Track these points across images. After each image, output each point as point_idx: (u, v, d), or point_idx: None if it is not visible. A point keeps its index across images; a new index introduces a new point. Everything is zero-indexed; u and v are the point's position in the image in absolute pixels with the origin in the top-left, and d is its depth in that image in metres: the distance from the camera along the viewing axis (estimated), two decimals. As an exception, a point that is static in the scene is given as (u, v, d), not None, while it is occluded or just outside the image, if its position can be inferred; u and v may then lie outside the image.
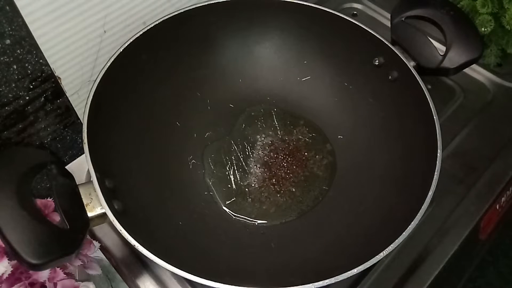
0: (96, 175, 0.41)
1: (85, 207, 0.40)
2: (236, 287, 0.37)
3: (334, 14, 0.56)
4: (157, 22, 0.52)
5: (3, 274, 0.38)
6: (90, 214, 0.40)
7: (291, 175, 0.56)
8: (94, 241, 0.45)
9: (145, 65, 0.53)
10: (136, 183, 0.49)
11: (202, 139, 0.59)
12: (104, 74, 0.47)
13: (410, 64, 0.52)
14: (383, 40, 0.54)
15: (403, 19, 0.56)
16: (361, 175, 0.54)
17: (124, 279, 0.51)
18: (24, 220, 0.35)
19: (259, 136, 0.59)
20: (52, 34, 0.49)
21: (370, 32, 0.54)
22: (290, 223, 0.53)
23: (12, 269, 0.39)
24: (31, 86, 0.51)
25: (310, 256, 0.48)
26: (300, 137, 0.59)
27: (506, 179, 0.59)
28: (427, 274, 0.51)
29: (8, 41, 0.46)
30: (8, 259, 0.39)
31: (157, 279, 0.51)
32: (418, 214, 0.41)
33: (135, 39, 0.50)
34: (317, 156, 0.58)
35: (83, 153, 0.42)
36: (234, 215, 0.53)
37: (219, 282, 0.37)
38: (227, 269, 0.45)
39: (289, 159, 0.58)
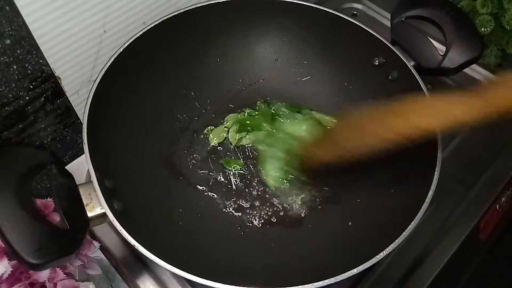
0: (96, 175, 0.41)
1: (85, 207, 0.40)
2: (236, 287, 0.37)
3: (334, 14, 0.56)
4: (157, 22, 0.52)
5: (3, 274, 0.38)
6: (90, 214, 0.40)
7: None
8: (94, 241, 0.45)
9: (145, 65, 0.53)
10: (136, 183, 0.49)
11: (202, 139, 0.59)
12: (104, 74, 0.47)
13: (410, 64, 0.52)
14: (383, 40, 0.54)
15: (403, 19, 0.56)
16: (361, 175, 0.54)
17: (124, 279, 0.51)
18: (24, 220, 0.35)
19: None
20: (52, 34, 0.49)
21: (370, 32, 0.54)
22: (290, 223, 0.53)
23: (12, 269, 0.39)
24: (31, 86, 0.51)
25: (310, 256, 0.48)
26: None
27: (506, 179, 0.59)
28: (427, 274, 0.51)
29: (8, 41, 0.46)
30: (8, 259, 0.39)
31: (157, 279, 0.51)
32: (418, 214, 0.42)
33: (135, 39, 0.50)
34: (317, 156, 0.58)
35: (83, 153, 0.42)
36: (234, 215, 0.53)
37: (219, 282, 0.37)
38: (227, 269, 0.45)
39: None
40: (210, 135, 0.59)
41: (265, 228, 0.52)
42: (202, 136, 0.59)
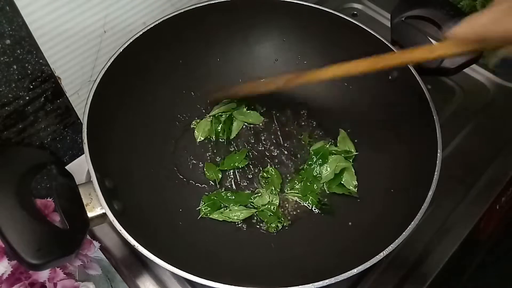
0: (96, 175, 0.41)
1: (85, 207, 0.40)
2: (236, 287, 0.37)
3: (334, 14, 0.56)
4: (157, 22, 0.52)
5: (3, 274, 0.38)
6: (90, 214, 0.40)
7: (292, 175, 0.56)
8: (94, 241, 0.45)
9: (145, 65, 0.53)
10: (136, 183, 0.49)
11: (201, 139, 0.59)
12: (104, 74, 0.47)
13: (410, 64, 0.52)
14: (383, 40, 0.54)
15: (403, 19, 0.56)
16: (361, 175, 0.54)
17: (124, 279, 0.51)
18: (24, 220, 0.35)
19: (259, 137, 0.59)
20: (52, 34, 0.49)
21: (370, 32, 0.54)
22: (290, 223, 0.53)
23: (12, 269, 0.39)
24: (31, 86, 0.51)
25: (310, 256, 0.48)
26: (300, 137, 0.59)
27: (506, 179, 0.59)
28: (427, 274, 0.51)
29: (8, 41, 0.46)
30: (8, 259, 0.39)
31: (157, 279, 0.51)
32: (418, 214, 0.42)
33: (135, 39, 0.50)
34: (317, 156, 0.58)
35: (83, 153, 0.42)
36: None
37: (219, 282, 0.37)
38: (227, 269, 0.45)
39: (289, 160, 0.58)
40: (195, 132, 0.58)
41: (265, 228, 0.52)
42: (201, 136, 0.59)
